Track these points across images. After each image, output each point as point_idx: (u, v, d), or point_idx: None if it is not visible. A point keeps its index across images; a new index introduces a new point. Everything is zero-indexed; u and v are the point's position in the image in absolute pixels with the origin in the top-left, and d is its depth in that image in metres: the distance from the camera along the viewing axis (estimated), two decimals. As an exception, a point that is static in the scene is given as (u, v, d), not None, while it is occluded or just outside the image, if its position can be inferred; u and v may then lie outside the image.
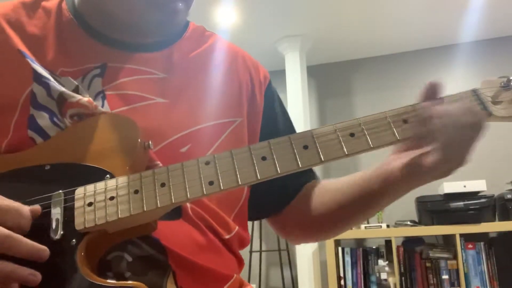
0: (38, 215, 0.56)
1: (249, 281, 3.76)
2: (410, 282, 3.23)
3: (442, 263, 3.23)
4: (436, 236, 3.44)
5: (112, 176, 0.59)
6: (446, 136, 0.56)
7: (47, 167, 0.61)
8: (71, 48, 0.71)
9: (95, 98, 0.67)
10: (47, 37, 0.71)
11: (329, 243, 3.30)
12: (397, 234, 3.29)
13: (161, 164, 0.64)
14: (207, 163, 0.57)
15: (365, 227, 3.36)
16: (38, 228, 0.56)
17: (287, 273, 3.86)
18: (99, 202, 0.57)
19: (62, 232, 0.56)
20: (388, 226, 3.35)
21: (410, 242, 3.36)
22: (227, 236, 0.70)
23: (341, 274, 3.35)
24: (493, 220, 3.16)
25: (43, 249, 0.53)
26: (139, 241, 0.61)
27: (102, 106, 0.67)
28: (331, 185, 0.79)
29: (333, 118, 4.08)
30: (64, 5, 0.75)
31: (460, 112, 0.57)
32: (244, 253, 0.77)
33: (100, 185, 0.58)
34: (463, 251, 3.15)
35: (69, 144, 0.64)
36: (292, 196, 0.81)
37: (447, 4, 3.41)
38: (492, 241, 3.23)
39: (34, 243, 0.53)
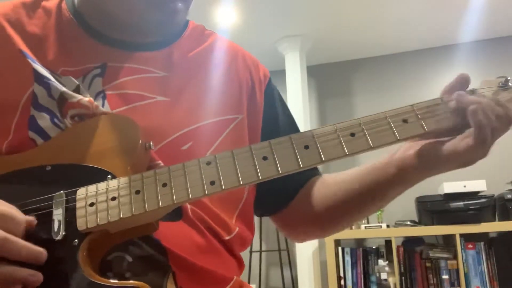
0: (32, 225, 0.56)
1: (249, 281, 3.77)
2: (410, 282, 3.23)
3: (442, 263, 3.23)
4: (436, 236, 3.44)
5: (113, 177, 0.59)
6: (480, 124, 0.56)
7: (48, 168, 0.62)
8: (71, 48, 0.72)
9: (95, 98, 0.67)
10: (47, 37, 0.71)
11: (329, 243, 3.31)
12: (397, 234, 3.29)
13: (162, 164, 0.65)
14: (208, 163, 0.57)
15: (365, 227, 3.36)
16: (40, 229, 0.56)
17: (287, 273, 3.86)
18: (101, 202, 0.57)
19: (64, 233, 0.56)
20: (388, 226, 3.35)
21: (410, 242, 3.36)
22: (227, 237, 0.70)
23: (341, 274, 3.35)
24: (493, 220, 3.16)
25: (40, 252, 0.53)
26: (139, 242, 0.61)
27: (103, 106, 0.67)
28: (336, 178, 0.78)
29: (333, 118, 4.08)
30: (64, 5, 0.75)
31: (496, 102, 0.58)
32: (244, 253, 0.77)
33: (101, 185, 0.58)
34: (463, 251, 3.15)
35: (70, 144, 0.64)
36: (295, 193, 0.81)
37: (447, 4, 3.41)
38: (492, 241, 3.23)
39: (31, 245, 0.53)
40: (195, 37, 0.80)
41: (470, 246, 3.19)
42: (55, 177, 0.61)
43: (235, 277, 0.71)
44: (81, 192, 0.58)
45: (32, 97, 0.66)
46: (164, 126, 0.68)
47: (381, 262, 3.33)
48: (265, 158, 0.57)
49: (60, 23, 0.73)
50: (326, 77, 4.30)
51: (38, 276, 0.52)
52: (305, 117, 3.81)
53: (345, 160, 0.58)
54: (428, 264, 3.25)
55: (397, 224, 3.41)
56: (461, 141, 0.57)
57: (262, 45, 3.90)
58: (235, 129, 0.75)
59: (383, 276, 3.27)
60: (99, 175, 0.59)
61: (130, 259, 0.60)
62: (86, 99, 0.65)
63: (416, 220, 3.39)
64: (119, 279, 0.58)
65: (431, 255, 3.27)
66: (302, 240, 0.87)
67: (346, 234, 3.40)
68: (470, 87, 0.62)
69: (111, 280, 0.55)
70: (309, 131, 0.58)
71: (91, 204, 0.57)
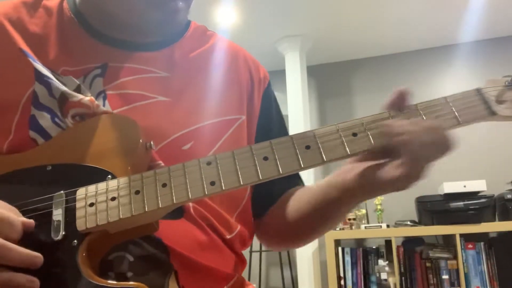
0: (31, 228, 0.55)
1: (249, 281, 3.76)
2: (410, 282, 3.23)
3: (442, 263, 3.23)
4: (436, 236, 3.44)
5: (113, 177, 0.59)
6: (410, 154, 0.53)
7: (49, 168, 0.61)
8: (72, 47, 0.71)
9: (96, 98, 0.67)
10: (48, 36, 0.71)
11: (329, 243, 3.30)
12: (397, 234, 3.28)
13: (163, 164, 0.64)
14: (208, 163, 0.57)
15: (365, 227, 3.36)
16: (40, 229, 0.56)
17: (287, 273, 3.86)
18: (101, 202, 0.57)
19: (63, 233, 0.56)
20: (388, 226, 3.35)
21: (410, 242, 3.36)
22: (228, 236, 0.69)
23: (341, 274, 3.35)
24: (493, 220, 3.16)
25: (36, 256, 0.53)
26: (140, 241, 0.61)
27: (103, 106, 0.67)
28: (305, 191, 0.76)
29: (333, 118, 4.08)
30: (65, 4, 0.75)
31: (423, 130, 0.54)
32: (244, 253, 0.76)
33: (101, 185, 0.58)
34: (463, 251, 3.15)
35: (70, 144, 0.64)
36: (274, 201, 0.79)
37: (447, 4, 3.41)
38: (492, 241, 3.23)
39: (28, 250, 0.52)
40: (197, 38, 0.80)
41: (470, 246, 3.19)
42: (55, 177, 0.61)
43: (236, 274, 0.71)
44: (81, 192, 0.58)
45: (33, 96, 0.65)
46: (165, 126, 0.68)
47: (381, 262, 3.33)
48: (265, 158, 0.56)
49: (61, 22, 0.73)
50: (326, 77, 4.30)
51: (36, 283, 0.52)
52: (305, 117, 3.80)
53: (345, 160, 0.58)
54: (428, 264, 3.25)
55: (397, 224, 3.40)
56: (395, 169, 0.54)
57: (262, 45, 3.90)
58: (238, 129, 0.75)
59: (383, 276, 3.27)
60: (99, 175, 0.59)
61: (131, 258, 0.60)
62: (87, 98, 0.65)
63: (416, 220, 3.38)
64: (121, 279, 0.58)
65: (431, 255, 3.27)
66: (279, 248, 0.85)
67: (346, 234, 3.40)
68: (471, 87, 0.62)
69: (110, 281, 0.55)
70: (310, 131, 0.58)
71: (91, 205, 0.57)
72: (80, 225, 0.56)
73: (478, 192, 3.16)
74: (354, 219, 3.40)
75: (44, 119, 0.65)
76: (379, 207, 3.45)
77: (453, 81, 3.90)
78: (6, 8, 0.72)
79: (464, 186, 3.13)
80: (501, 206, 3.16)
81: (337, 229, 3.42)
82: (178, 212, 0.64)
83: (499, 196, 3.18)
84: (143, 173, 0.58)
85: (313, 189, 0.72)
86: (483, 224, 3.06)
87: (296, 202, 0.75)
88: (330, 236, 3.30)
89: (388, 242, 3.30)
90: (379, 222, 3.40)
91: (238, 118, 0.75)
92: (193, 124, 0.70)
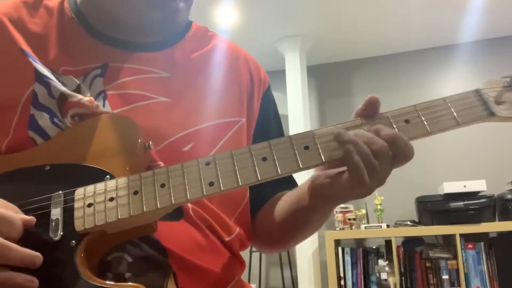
0: (31, 225, 0.55)
1: (249, 281, 3.76)
2: (410, 282, 3.23)
3: (442, 263, 3.23)
4: (436, 236, 3.44)
5: (112, 177, 0.59)
6: (350, 163, 0.54)
7: (47, 168, 0.61)
8: (73, 47, 0.71)
9: (96, 98, 0.67)
10: (49, 35, 0.71)
11: (329, 243, 3.30)
12: (397, 234, 3.28)
13: (162, 164, 0.64)
14: (207, 163, 0.57)
15: (365, 227, 3.36)
16: (38, 229, 0.56)
17: (287, 273, 3.85)
18: (99, 203, 0.56)
19: (61, 233, 0.56)
20: (388, 226, 3.35)
21: (410, 242, 3.35)
22: (227, 238, 0.69)
23: (341, 274, 3.35)
24: (493, 220, 3.16)
25: (36, 256, 0.53)
26: (139, 242, 0.61)
27: (103, 106, 0.67)
28: (286, 196, 0.76)
29: (333, 118, 4.08)
30: (66, 4, 0.75)
31: (365, 140, 0.54)
32: (244, 253, 0.76)
33: (100, 185, 0.58)
34: (463, 251, 3.15)
35: (69, 144, 0.64)
36: (262, 204, 0.79)
37: (447, 4, 3.41)
38: (492, 241, 3.22)
39: (28, 250, 0.52)
40: (199, 39, 0.80)
41: (470, 246, 3.19)
42: (54, 177, 0.61)
43: (236, 277, 0.71)
44: (79, 192, 0.58)
45: (32, 96, 0.65)
46: (165, 127, 0.68)
47: (381, 262, 3.32)
48: (264, 159, 0.56)
49: (62, 22, 0.73)
50: (326, 77, 4.29)
51: (35, 282, 0.52)
52: (305, 117, 3.80)
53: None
54: (428, 264, 3.25)
55: (397, 224, 3.40)
56: (345, 178, 0.55)
57: (262, 45, 3.90)
58: (238, 131, 0.75)
59: (383, 276, 3.27)
60: (97, 175, 0.59)
61: (130, 259, 0.60)
62: (86, 98, 0.65)
63: (416, 220, 3.38)
64: (119, 280, 0.58)
65: (431, 255, 3.27)
66: (268, 251, 0.85)
67: (346, 234, 3.40)
68: (471, 87, 0.62)
69: (108, 282, 0.55)
70: (309, 131, 0.58)
71: (89, 205, 0.57)
72: (78, 225, 0.56)
73: (478, 192, 3.16)
74: (354, 219, 3.40)
75: (43, 119, 0.65)
76: (379, 207, 3.45)
77: (453, 81, 3.90)
78: (7, 8, 0.72)
79: (464, 186, 3.13)
80: (501, 206, 3.16)
81: (337, 229, 3.42)
82: (178, 214, 0.64)
83: (499, 196, 3.18)
84: (142, 173, 0.58)
85: (290, 195, 0.73)
86: (483, 224, 3.06)
87: (276, 207, 0.75)
88: (330, 236, 3.30)
89: (388, 242, 3.30)
90: (379, 222, 3.40)
91: (238, 120, 0.75)
92: (193, 125, 0.70)
